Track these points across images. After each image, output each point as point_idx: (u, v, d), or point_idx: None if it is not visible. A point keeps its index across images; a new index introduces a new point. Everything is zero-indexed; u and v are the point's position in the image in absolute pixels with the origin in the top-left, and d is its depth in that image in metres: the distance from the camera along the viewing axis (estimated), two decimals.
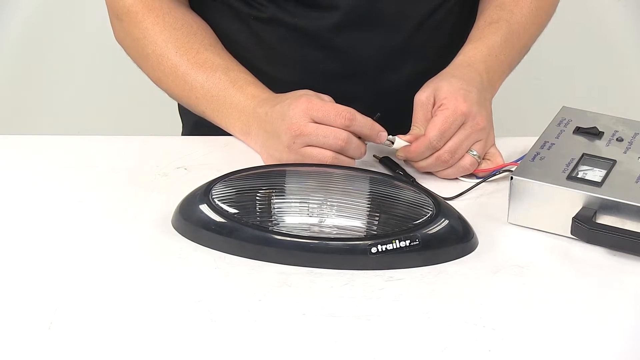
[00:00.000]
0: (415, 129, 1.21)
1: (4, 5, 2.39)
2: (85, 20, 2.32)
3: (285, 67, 1.36)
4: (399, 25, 1.34)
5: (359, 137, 1.18)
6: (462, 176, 1.22)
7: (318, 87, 1.21)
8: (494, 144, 1.24)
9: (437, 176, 1.22)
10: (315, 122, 1.17)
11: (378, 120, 1.19)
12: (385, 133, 1.19)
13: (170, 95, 1.33)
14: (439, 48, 1.37)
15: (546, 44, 1.41)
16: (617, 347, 0.96)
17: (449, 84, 1.21)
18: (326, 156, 1.16)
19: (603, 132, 1.19)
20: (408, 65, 1.37)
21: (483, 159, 1.22)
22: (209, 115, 1.29)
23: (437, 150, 1.19)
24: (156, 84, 1.34)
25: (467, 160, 1.20)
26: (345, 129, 1.16)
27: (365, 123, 1.18)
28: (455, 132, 1.19)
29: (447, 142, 1.19)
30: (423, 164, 1.21)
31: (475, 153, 1.21)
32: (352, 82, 1.36)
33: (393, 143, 1.20)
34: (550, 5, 1.39)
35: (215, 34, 1.35)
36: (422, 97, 1.22)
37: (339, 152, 1.17)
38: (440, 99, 1.20)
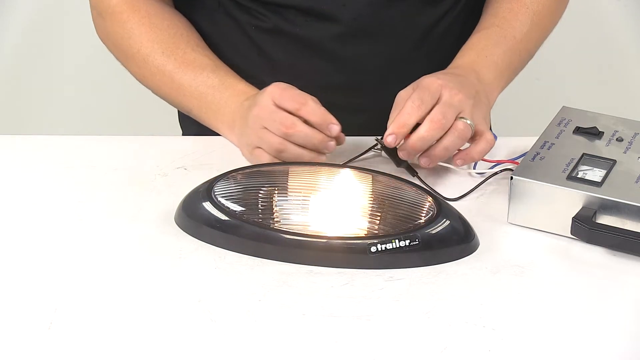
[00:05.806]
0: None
1: (3, 5, 2.39)
2: (86, 19, 2.31)
3: (287, 78, 1.34)
4: (404, 36, 1.34)
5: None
6: (461, 163, 1.18)
7: (322, 99, 1.19)
8: (483, 122, 1.19)
9: (438, 157, 1.17)
10: (276, 105, 1.16)
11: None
12: (338, 127, 1.15)
13: (156, 94, 1.33)
14: (446, 57, 1.35)
15: (546, 44, 1.41)
16: (617, 347, 0.96)
17: (427, 76, 1.19)
18: (273, 142, 1.16)
19: (603, 132, 1.19)
20: (414, 75, 1.36)
21: (473, 140, 1.17)
22: (196, 113, 1.29)
23: (423, 117, 1.13)
24: (141, 82, 1.33)
25: (460, 124, 1.15)
26: (295, 112, 1.15)
27: (316, 110, 1.15)
28: (437, 102, 1.15)
29: (429, 109, 1.14)
30: (415, 136, 1.14)
31: (466, 119, 1.16)
32: (358, 93, 1.35)
33: (382, 147, 1.17)
34: (550, 11, 1.36)
35: (217, 44, 1.35)
36: (402, 93, 1.19)
37: (284, 137, 1.15)
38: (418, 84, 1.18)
